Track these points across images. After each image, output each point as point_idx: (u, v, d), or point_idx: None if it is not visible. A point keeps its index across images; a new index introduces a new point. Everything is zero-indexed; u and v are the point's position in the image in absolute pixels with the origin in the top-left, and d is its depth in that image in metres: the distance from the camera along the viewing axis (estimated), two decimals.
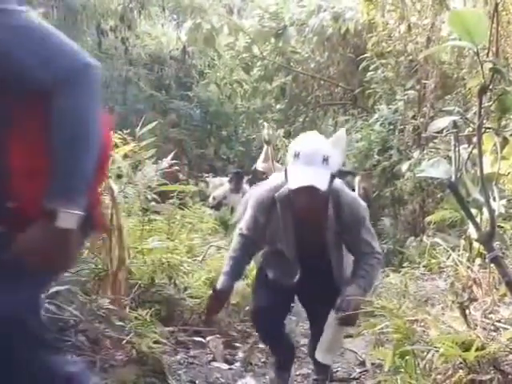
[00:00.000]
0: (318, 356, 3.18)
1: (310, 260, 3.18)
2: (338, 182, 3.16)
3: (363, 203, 3.25)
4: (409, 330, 2.81)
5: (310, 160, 2.93)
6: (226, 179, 8.38)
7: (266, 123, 8.86)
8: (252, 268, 4.13)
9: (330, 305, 3.09)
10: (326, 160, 2.94)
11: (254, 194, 3.34)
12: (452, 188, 2.41)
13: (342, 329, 3.17)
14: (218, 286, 3.28)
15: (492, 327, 2.84)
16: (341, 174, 3.59)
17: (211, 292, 3.36)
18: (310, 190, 2.90)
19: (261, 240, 3.33)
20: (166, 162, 4.89)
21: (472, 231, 3.43)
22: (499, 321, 2.94)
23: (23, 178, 1.56)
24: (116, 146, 3.69)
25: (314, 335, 3.45)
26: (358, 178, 3.50)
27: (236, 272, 3.33)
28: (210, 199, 7.97)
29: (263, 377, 3.77)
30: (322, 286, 3.18)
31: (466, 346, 2.48)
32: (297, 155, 2.97)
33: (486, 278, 3.41)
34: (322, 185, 2.92)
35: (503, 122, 2.45)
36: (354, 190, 3.58)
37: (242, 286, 4.17)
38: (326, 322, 3.12)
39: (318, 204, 3.01)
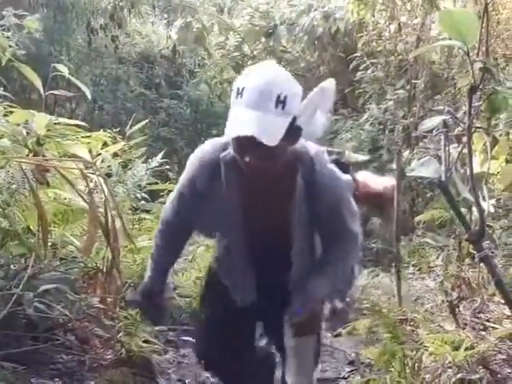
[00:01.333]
0: None
1: (268, 258, 2.32)
2: (314, 146, 2.27)
3: (345, 177, 2.32)
4: (398, 329, 2.82)
5: (255, 101, 1.97)
6: None
7: None
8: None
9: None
10: (281, 102, 1.97)
11: (193, 156, 2.47)
12: (442, 187, 2.41)
13: (305, 342, 2.42)
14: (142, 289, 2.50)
15: (481, 326, 2.86)
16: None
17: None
18: (251, 143, 1.96)
19: (193, 224, 2.50)
20: (155, 160, 4.89)
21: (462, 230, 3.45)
22: (488, 320, 2.96)
23: None
24: (106, 144, 3.67)
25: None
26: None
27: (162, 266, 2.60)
28: None
29: None
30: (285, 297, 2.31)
31: (455, 345, 2.50)
32: (240, 93, 2.00)
33: (475, 277, 3.42)
34: (270, 137, 1.96)
35: (493, 122, 2.47)
36: None
37: None
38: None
39: (269, 166, 2.11)
